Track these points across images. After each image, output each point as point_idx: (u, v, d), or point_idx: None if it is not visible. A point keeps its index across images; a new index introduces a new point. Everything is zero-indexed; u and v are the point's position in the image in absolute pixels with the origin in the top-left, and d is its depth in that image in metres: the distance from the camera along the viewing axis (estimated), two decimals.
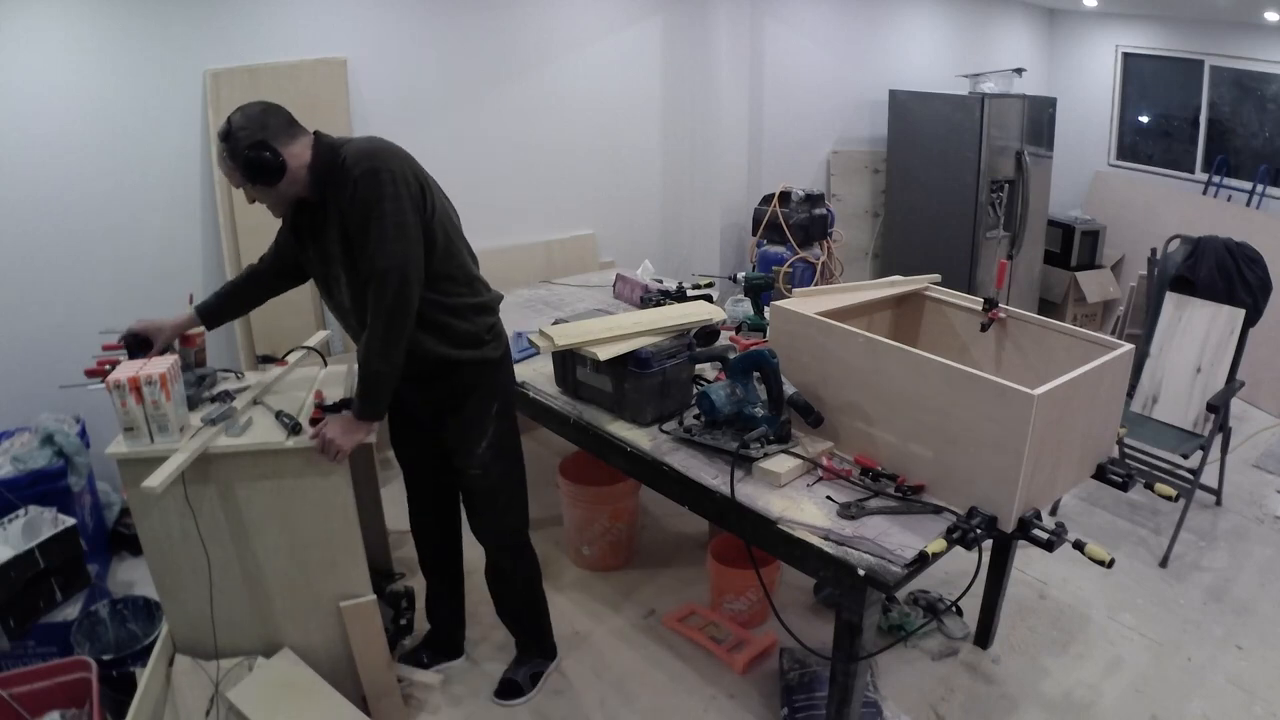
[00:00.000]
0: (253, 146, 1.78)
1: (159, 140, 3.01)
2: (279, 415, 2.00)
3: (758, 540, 1.92)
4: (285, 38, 3.18)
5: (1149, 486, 2.09)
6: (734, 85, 4.38)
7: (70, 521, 2.42)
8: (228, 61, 3.05)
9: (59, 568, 2.35)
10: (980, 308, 2.34)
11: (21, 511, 2.43)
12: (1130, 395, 3.32)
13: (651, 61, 4.27)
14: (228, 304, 2.17)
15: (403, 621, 2.57)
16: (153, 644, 2.13)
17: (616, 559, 3.03)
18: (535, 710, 2.38)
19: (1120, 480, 2.01)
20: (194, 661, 2.07)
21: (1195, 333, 3.24)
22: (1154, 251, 3.58)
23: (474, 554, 2.38)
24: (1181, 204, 5.33)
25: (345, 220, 1.84)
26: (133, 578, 2.87)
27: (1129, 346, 2.01)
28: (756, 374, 2.11)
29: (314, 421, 1.96)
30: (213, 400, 2.08)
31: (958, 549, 1.73)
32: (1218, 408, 3.04)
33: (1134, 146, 5.97)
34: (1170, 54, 5.56)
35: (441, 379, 2.05)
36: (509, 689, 2.41)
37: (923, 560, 1.68)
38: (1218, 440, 3.19)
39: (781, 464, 1.98)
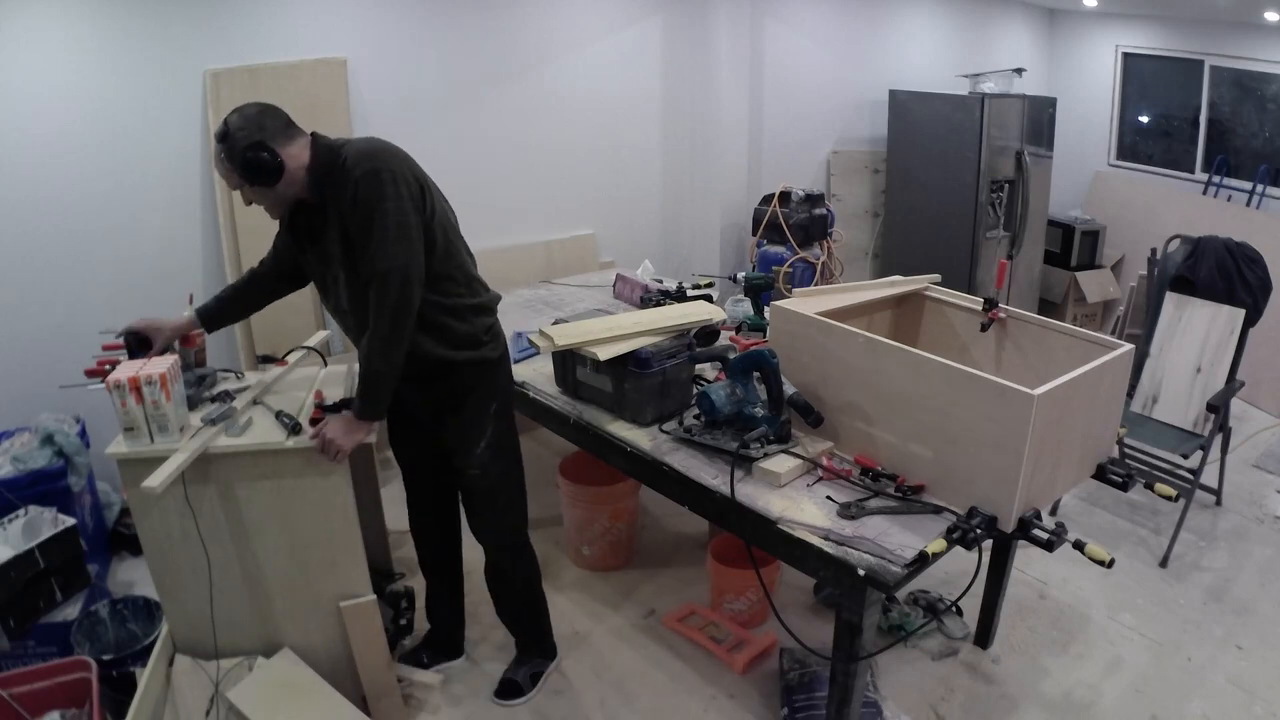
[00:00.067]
0: (250, 148, 1.77)
1: (159, 140, 3.01)
2: (279, 415, 2.01)
3: (758, 540, 1.92)
4: (285, 38, 3.18)
5: (1149, 486, 2.09)
6: (734, 85, 4.38)
7: (70, 521, 2.42)
8: (228, 61, 3.05)
9: (59, 568, 2.35)
10: (980, 308, 2.34)
11: (21, 511, 2.43)
12: (1130, 395, 3.32)
13: (651, 61, 4.26)
14: (228, 308, 2.17)
15: (403, 621, 2.58)
16: (153, 644, 2.13)
17: (616, 559, 3.03)
18: (535, 710, 2.38)
19: (1120, 480, 2.01)
20: (194, 661, 2.07)
21: (1195, 333, 3.24)
22: (1154, 251, 3.58)
23: (474, 554, 2.38)
24: (1181, 204, 5.33)
25: (346, 221, 1.84)
26: (133, 578, 2.87)
27: (1129, 346, 2.01)
28: (756, 374, 2.10)
29: (314, 421, 1.96)
30: (213, 400, 2.08)
31: (958, 549, 1.74)
32: (1218, 408, 3.04)
33: (1134, 146, 5.96)
34: (1170, 54, 5.55)
35: (441, 379, 2.05)
36: (509, 689, 2.41)
37: (923, 560, 1.68)
38: (1218, 440, 3.19)
39: (781, 464, 1.98)
